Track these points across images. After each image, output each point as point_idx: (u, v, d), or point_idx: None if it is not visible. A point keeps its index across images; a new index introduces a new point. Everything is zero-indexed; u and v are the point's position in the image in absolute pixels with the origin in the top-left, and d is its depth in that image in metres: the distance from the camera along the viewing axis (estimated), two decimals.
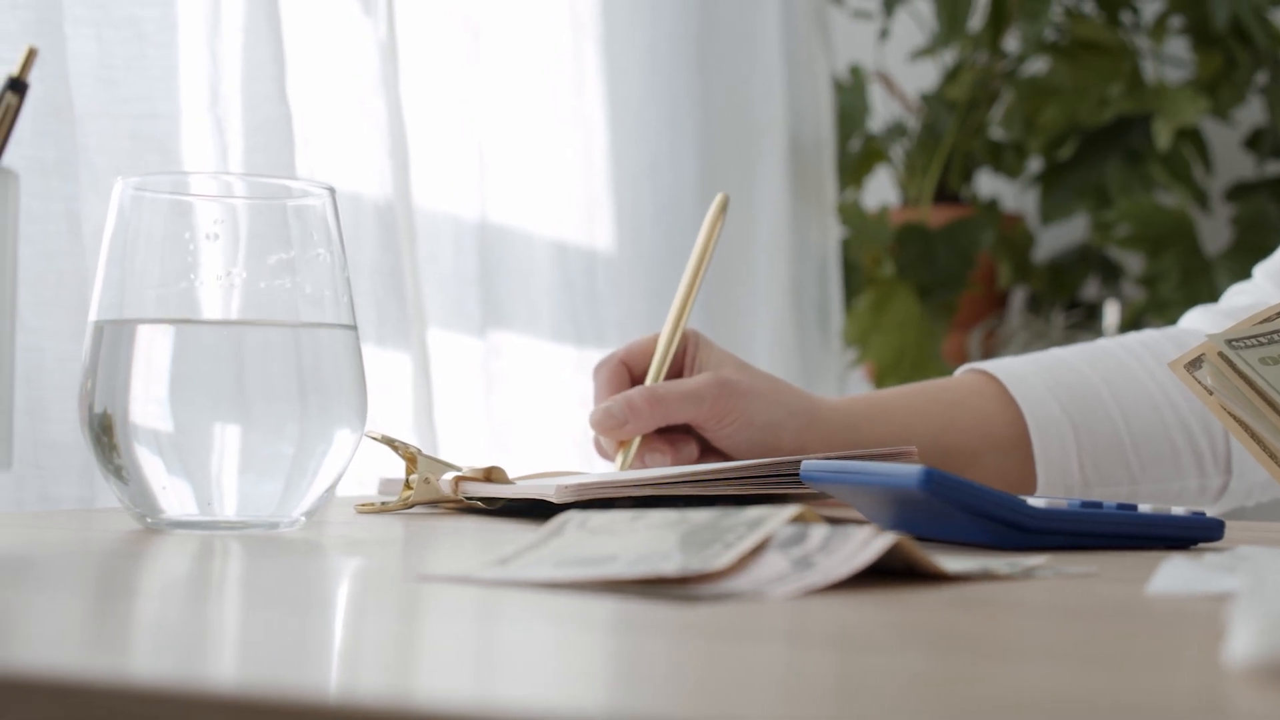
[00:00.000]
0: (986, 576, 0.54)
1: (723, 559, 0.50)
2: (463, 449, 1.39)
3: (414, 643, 0.44)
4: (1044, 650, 0.42)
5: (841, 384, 2.16)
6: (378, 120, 1.23)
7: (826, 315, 2.10)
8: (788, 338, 1.99)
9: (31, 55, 0.58)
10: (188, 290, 0.67)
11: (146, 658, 0.42)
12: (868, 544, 0.51)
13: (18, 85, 0.58)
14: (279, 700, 0.34)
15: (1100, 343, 0.99)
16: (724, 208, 0.96)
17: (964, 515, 0.64)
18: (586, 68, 1.60)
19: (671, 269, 1.78)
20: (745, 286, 1.94)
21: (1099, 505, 0.67)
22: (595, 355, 1.61)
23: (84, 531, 0.71)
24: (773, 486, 0.77)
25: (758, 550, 0.51)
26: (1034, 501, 0.65)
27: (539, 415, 1.53)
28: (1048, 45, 2.21)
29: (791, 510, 0.52)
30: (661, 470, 0.81)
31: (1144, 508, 0.67)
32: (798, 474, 0.77)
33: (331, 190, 0.70)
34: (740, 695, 0.35)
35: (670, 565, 0.50)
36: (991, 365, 0.97)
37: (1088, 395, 0.94)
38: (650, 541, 0.52)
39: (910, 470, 0.63)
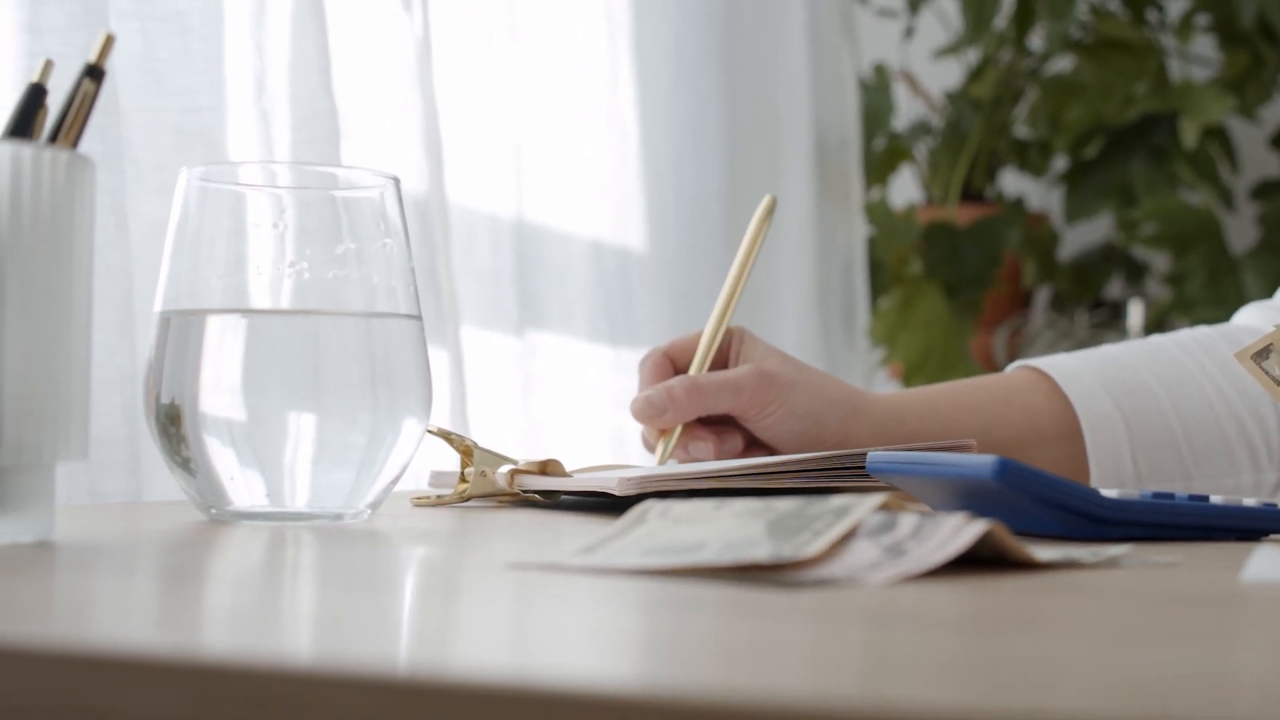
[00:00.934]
0: (1071, 565, 0.54)
1: (813, 546, 0.49)
2: (497, 446, 1.38)
3: (489, 625, 0.44)
4: (1153, 633, 0.41)
5: (868, 383, 2.15)
6: (414, 116, 1.22)
7: (852, 314, 2.10)
8: (813, 336, 1.98)
9: (109, 42, 0.58)
10: (254, 280, 0.67)
11: (221, 634, 0.42)
12: (960, 531, 0.50)
13: (95, 72, 0.57)
14: (351, 674, 0.34)
15: (1152, 339, 0.99)
16: (771, 210, 0.96)
17: (1036, 505, 0.64)
18: (620, 65, 1.60)
19: (696, 268, 1.78)
20: (771, 285, 1.93)
21: (1171, 496, 0.66)
22: (629, 354, 1.61)
23: (148, 522, 0.71)
24: (835, 479, 0.77)
25: (847, 538, 0.51)
26: (1106, 492, 0.65)
27: (574, 414, 1.53)
28: (1073, 43, 2.21)
29: (878, 498, 0.52)
30: (723, 463, 0.81)
31: (1215, 499, 0.67)
32: (860, 466, 0.77)
33: (396, 181, 0.70)
34: (817, 670, 0.35)
35: (761, 552, 0.49)
36: (1041, 362, 0.97)
37: (1140, 390, 0.94)
38: (737, 529, 0.52)
39: (984, 460, 0.63)
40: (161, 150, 0.99)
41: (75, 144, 0.57)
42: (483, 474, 0.82)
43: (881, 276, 2.20)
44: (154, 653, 0.36)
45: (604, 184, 1.58)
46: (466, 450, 0.83)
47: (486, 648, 0.40)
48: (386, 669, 0.34)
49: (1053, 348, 2.20)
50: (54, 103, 0.60)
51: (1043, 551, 0.54)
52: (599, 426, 1.56)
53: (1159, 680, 0.34)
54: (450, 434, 0.83)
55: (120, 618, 0.45)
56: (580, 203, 1.55)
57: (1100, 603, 0.47)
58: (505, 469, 0.82)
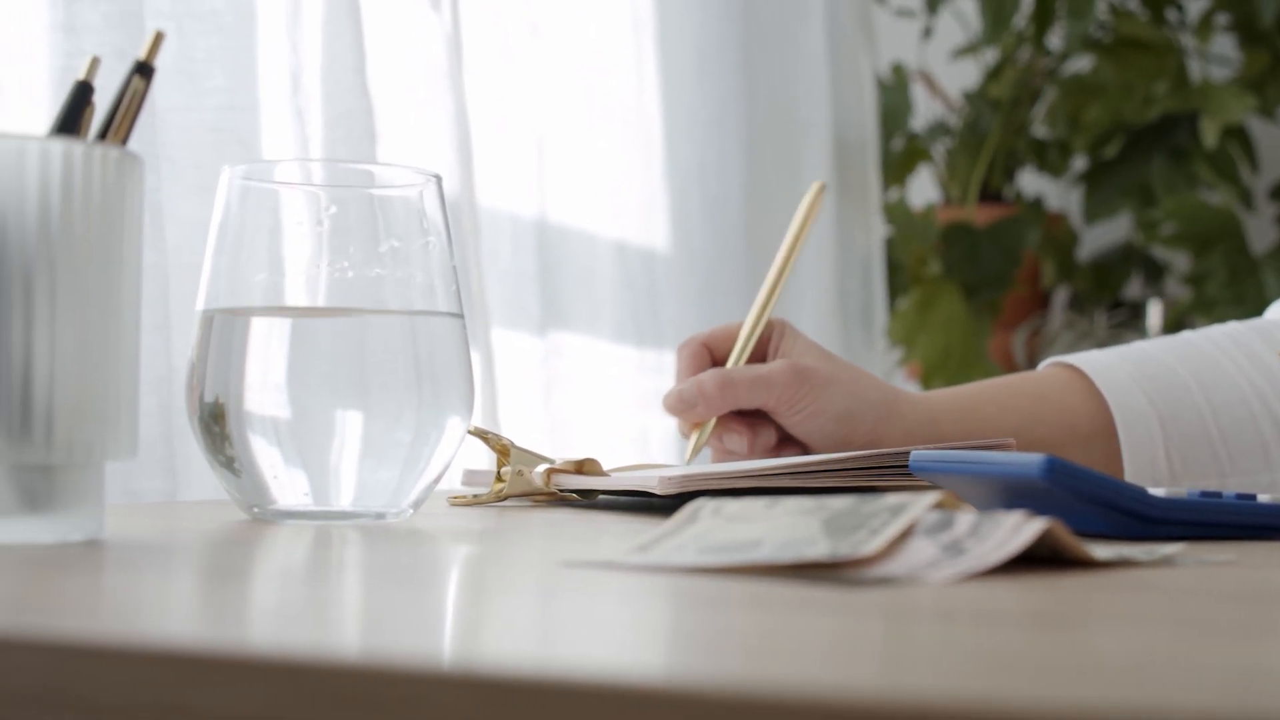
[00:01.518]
0: (1127, 563, 0.54)
1: (871, 545, 0.49)
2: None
3: (544, 621, 0.44)
4: (1221, 629, 0.41)
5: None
6: (445, 116, 1.22)
7: (870, 314, 2.10)
8: (833, 337, 1.98)
9: (159, 39, 0.58)
10: (297, 279, 0.67)
11: (268, 629, 0.42)
12: (1019, 529, 0.50)
13: (145, 69, 0.57)
14: (406, 669, 0.34)
15: (1184, 335, 0.98)
16: (819, 195, 0.95)
17: (1083, 504, 0.63)
18: (644, 65, 1.60)
19: (718, 269, 1.77)
20: (790, 285, 1.93)
21: (1218, 495, 0.66)
22: (653, 355, 1.61)
23: (191, 521, 0.71)
24: (876, 478, 0.76)
25: (904, 536, 0.50)
26: (1153, 491, 0.65)
27: (598, 415, 1.52)
28: (1092, 43, 2.20)
29: (933, 496, 0.52)
30: (763, 462, 0.81)
31: (1263, 498, 0.66)
32: (901, 465, 0.76)
33: (438, 179, 0.70)
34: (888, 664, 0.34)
35: (818, 550, 0.49)
36: (1075, 359, 0.96)
37: (1174, 386, 0.93)
38: (793, 528, 0.52)
39: (1031, 459, 0.63)
40: (197, 149, 0.99)
41: (125, 141, 0.57)
42: (519, 473, 0.82)
43: (900, 277, 2.20)
44: (223, 649, 0.37)
45: (628, 184, 1.57)
46: (503, 449, 0.82)
47: (542, 643, 0.40)
48: (433, 663, 0.34)
49: (1072, 348, 2.20)
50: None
51: (1098, 550, 0.54)
52: (623, 427, 1.56)
53: (1229, 674, 0.34)
54: (487, 433, 0.82)
55: (186, 615, 0.45)
56: (604, 203, 1.54)
57: (1163, 599, 0.47)
58: (542, 468, 0.82)
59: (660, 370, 1.64)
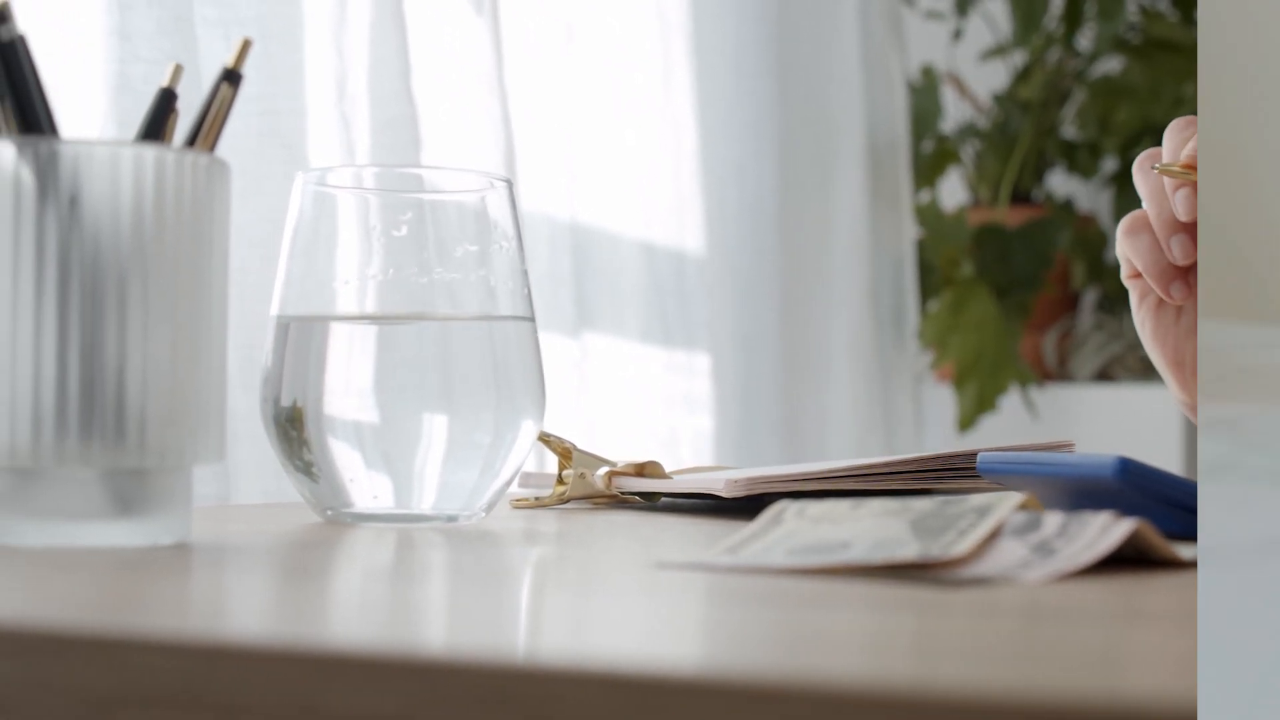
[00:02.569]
0: None
1: (961, 546, 0.50)
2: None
3: (642, 618, 0.44)
4: None
5: (917, 386, 2.15)
6: (490, 121, 1.23)
7: (902, 316, 2.10)
8: (865, 340, 1.98)
9: (246, 46, 0.58)
10: (371, 284, 0.67)
11: (346, 626, 0.43)
12: (1108, 530, 0.50)
13: (233, 76, 0.58)
14: (468, 662, 0.35)
15: None
16: None
17: (1154, 504, 0.64)
18: (679, 69, 1.60)
19: (753, 271, 1.78)
20: (823, 288, 1.93)
21: None
22: (684, 357, 1.62)
23: (267, 524, 0.71)
24: (941, 481, 0.77)
25: (992, 537, 0.51)
26: None
27: (630, 416, 1.53)
28: (1121, 44, 2.20)
29: (1018, 497, 0.52)
30: (829, 464, 0.81)
31: None
32: (965, 468, 0.76)
33: (509, 183, 0.70)
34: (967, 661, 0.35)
35: (909, 551, 0.49)
36: None
37: None
38: (881, 529, 0.52)
39: (1104, 459, 0.63)
40: (241, 155, 0.99)
41: (213, 148, 0.58)
42: (581, 476, 0.82)
43: (931, 279, 2.20)
44: (268, 643, 0.38)
45: (663, 187, 1.58)
46: (565, 452, 0.83)
47: (630, 639, 0.41)
48: (579, 666, 0.35)
49: (1103, 349, 2.20)
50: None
51: (1182, 550, 0.54)
52: (653, 428, 1.57)
53: None
54: (550, 436, 0.83)
55: (240, 611, 0.46)
56: (640, 206, 1.55)
57: None
58: (603, 471, 0.82)
59: (692, 372, 1.64)
